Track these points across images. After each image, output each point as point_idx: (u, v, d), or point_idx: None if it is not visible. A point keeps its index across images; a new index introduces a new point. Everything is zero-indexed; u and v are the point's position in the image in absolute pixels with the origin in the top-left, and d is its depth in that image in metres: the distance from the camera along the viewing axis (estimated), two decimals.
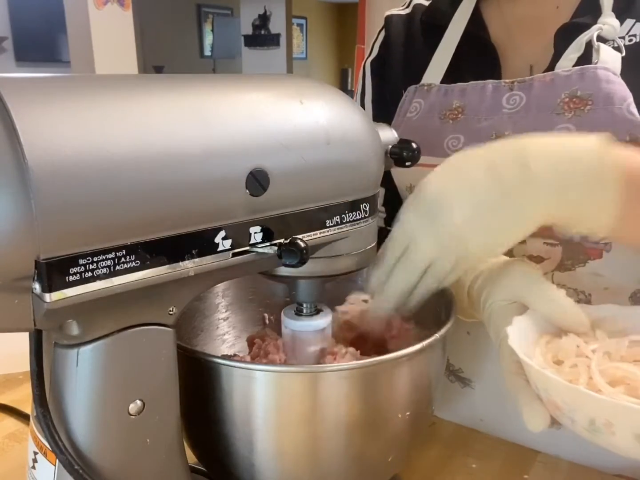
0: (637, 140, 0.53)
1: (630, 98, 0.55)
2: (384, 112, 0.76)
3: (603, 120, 0.55)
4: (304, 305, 0.49)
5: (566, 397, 0.38)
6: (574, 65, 0.58)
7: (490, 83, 0.61)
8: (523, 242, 0.59)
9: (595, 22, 0.59)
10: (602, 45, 0.58)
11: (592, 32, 0.58)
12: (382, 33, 0.78)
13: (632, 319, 0.46)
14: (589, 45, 0.58)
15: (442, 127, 0.63)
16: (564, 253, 0.58)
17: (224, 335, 0.63)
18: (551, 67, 0.61)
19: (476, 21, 0.69)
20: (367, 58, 0.80)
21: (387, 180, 0.73)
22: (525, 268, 0.50)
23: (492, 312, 0.50)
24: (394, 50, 0.76)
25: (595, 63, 0.57)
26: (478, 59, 0.67)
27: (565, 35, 0.61)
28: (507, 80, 0.61)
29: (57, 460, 0.36)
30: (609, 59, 0.57)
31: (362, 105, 0.79)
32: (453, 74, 0.66)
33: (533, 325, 0.46)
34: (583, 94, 0.56)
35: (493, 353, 0.63)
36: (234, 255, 0.37)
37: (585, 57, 0.58)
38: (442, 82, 0.66)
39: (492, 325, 0.50)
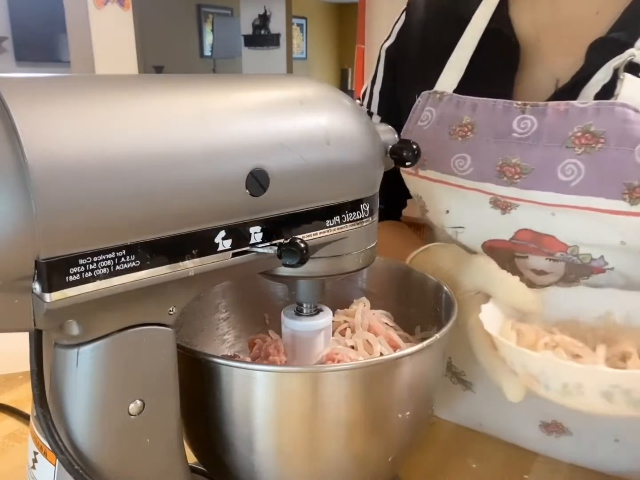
0: None
1: None
2: (387, 108, 0.73)
3: (612, 162, 0.51)
4: (304, 305, 0.49)
5: (543, 367, 0.45)
6: (599, 92, 0.54)
7: (501, 103, 0.58)
8: (525, 257, 0.59)
9: (635, 39, 0.54)
10: (628, 76, 0.52)
11: (623, 58, 0.53)
12: (403, 17, 0.74)
13: (572, 298, 0.55)
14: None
15: (451, 144, 0.61)
16: (567, 268, 0.57)
17: (224, 336, 0.63)
18: (576, 83, 0.56)
19: (501, 17, 0.63)
20: (384, 42, 0.75)
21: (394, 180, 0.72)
22: (484, 261, 0.55)
23: (460, 303, 0.53)
24: (413, 39, 0.71)
25: (616, 96, 0.52)
26: (497, 60, 0.63)
27: (599, 51, 0.56)
28: (518, 103, 0.57)
29: (57, 460, 0.36)
30: (635, 94, 0.51)
31: (371, 92, 0.76)
32: (471, 77, 0.63)
33: (498, 311, 0.53)
34: (597, 130, 0.52)
35: None
36: (234, 255, 0.37)
37: (613, 85, 0.53)
38: (459, 86, 0.63)
39: (460, 315, 0.52)
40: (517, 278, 0.52)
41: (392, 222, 0.80)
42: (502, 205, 0.57)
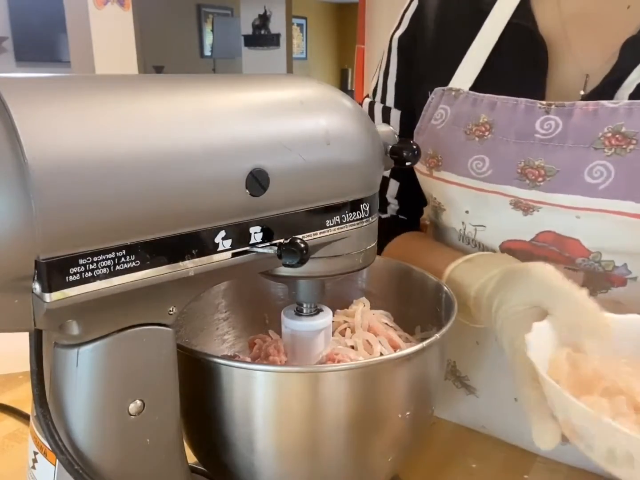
0: None
1: None
2: (406, 99, 0.69)
3: None
4: (304, 305, 0.49)
5: (587, 423, 0.36)
6: (633, 92, 0.52)
7: (523, 102, 0.55)
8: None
9: None
10: None
11: None
12: (415, 3, 0.69)
13: None
14: None
15: (467, 145, 0.58)
16: (586, 279, 0.55)
17: (224, 336, 0.63)
18: (608, 82, 0.54)
19: (523, 12, 0.60)
20: (395, 32, 0.71)
21: (403, 174, 0.71)
22: (544, 270, 0.47)
23: (506, 319, 0.47)
24: (426, 29, 0.67)
25: None
26: (521, 57, 0.59)
27: (633, 50, 0.53)
28: (543, 103, 0.54)
29: (57, 460, 0.36)
30: None
31: (384, 86, 0.72)
32: (488, 74, 0.60)
33: (553, 334, 0.43)
34: (628, 131, 0.50)
35: (500, 365, 0.62)
36: (234, 255, 0.37)
37: None
38: (476, 82, 0.60)
39: (505, 333, 0.47)
40: (585, 293, 0.44)
41: (417, 234, 0.74)
42: (524, 207, 0.56)
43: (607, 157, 0.50)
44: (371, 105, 0.74)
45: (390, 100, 0.72)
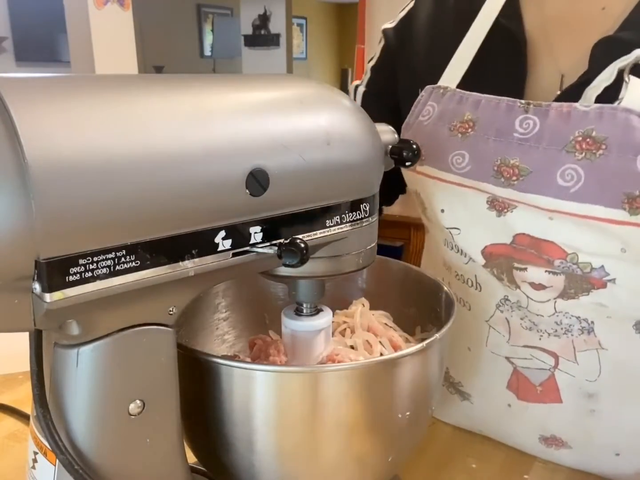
0: None
1: None
2: (373, 83, 0.75)
3: (613, 170, 0.49)
4: (304, 305, 0.49)
5: None
6: (601, 94, 0.52)
7: (505, 101, 0.56)
8: (524, 269, 0.56)
9: None
10: (634, 79, 0.50)
11: (629, 60, 0.50)
12: (410, 4, 0.72)
13: None
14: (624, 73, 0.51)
15: (450, 140, 0.59)
16: (567, 282, 0.55)
17: (224, 336, 0.63)
18: (580, 84, 0.55)
19: (510, 10, 0.61)
20: (386, 24, 0.76)
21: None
22: None
23: None
24: (417, 30, 0.70)
25: (620, 100, 0.50)
26: (504, 56, 0.61)
27: (603, 52, 0.54)
28: (522, 102, 0.55)
29: (57, 460, 0.36)
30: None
31: (367, 68, 0.78)
32: (475, 73, 0.61)
33: None
34: (598, 135, 0.50)
35: (493, 372, 0.62)
36: (234, 255, 0.37)
37: (617, 87, 0.51)
38: (462, 81, 0.61)
39: None
40: None
41: None
42: (499, 206, 0.56)
43: (578, 160, 0.51)
44: (356, 88, 0.80)
45: (364, 81, 0.79)
